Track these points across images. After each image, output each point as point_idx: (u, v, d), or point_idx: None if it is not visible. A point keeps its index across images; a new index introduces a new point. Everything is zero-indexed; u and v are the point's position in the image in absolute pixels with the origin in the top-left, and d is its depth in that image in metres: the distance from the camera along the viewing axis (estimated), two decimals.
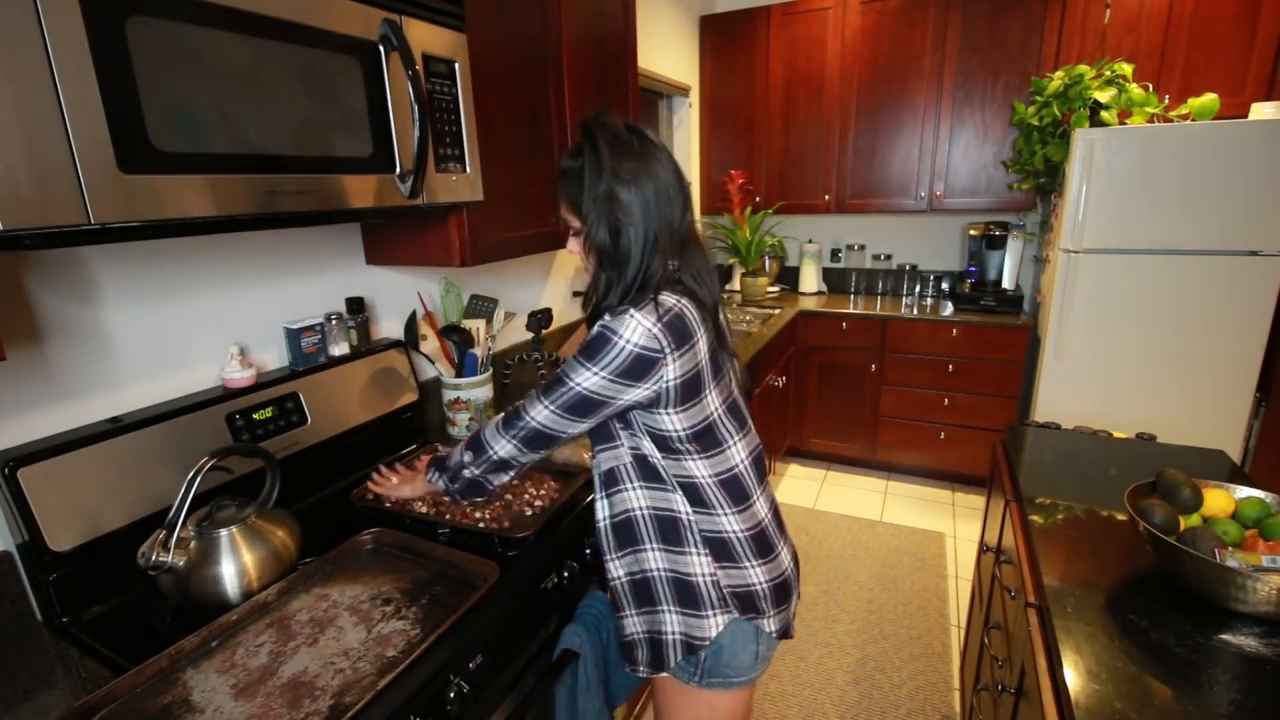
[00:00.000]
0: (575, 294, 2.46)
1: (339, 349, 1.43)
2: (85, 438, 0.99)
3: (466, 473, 1.04)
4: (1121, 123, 2.50)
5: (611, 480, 1.01)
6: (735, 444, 0.99)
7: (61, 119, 0.66)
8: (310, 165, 0.94)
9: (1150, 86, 2.52)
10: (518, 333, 2.06)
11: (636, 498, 0.99)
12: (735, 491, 0.98)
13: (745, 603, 0.99)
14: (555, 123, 1.67)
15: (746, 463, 1.00)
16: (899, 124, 3.14)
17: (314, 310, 1.42)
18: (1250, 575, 0.89)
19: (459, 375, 1.62)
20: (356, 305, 1.48)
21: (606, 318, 0.90)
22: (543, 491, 1.28)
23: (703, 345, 0.93)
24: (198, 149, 0.79)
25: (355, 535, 1.13)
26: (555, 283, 2.33)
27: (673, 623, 0.99)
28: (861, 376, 3.25)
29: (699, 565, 0.98)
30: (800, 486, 3.32)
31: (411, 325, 1.55)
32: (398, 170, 1.09)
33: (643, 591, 1.01)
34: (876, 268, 3.64)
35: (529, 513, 1.22)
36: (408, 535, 1.13)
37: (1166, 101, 2.51)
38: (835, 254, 3.76)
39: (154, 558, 0.92)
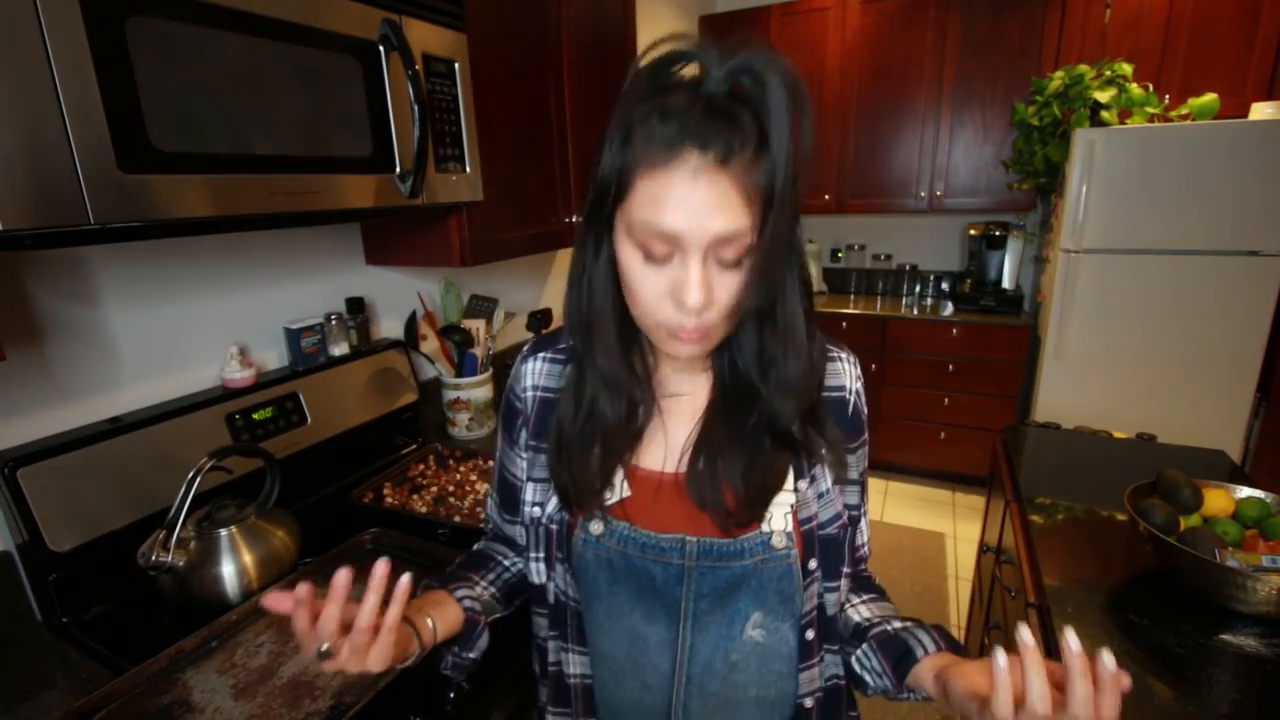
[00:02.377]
0: None
1: (339, 349, 1.43)
2: (85, 438, 0.99)
3: None
4: (1121, 123, 2.50)
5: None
6: None
7: (61, 119, 0.66)
8: (310, 165, 0.94)
9: (1150, 86, 2.52)
10: (518, 333, 2.06)
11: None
12: None
13: None
14: (555, 123, 1.67)
15: None
16: (899, 124, 3.14)
17: (314, 310, 1.42)
18: (1250, 575, 0.89)
19: (459, 375, 1.62)
20: (356, 305, 1.48)
21: (848, 358, 0.71)
22: None
23: None
24: (198, 149, 0.79)
25: (355, 535, 1.13)
26: (555, 283, 2.33)
27: None
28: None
29: None
30: None
31: (411, 325, 1.55)
32: (398, 170, 1.09)
33: None
34: (876, 268, 3.64)
35: None
36: (408, 535, 1.13)
37: (1167, 101, 2.51)
38: (835, 254, 3.75)
39: (154, 558, 0.92)
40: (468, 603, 0.70)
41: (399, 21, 1.04)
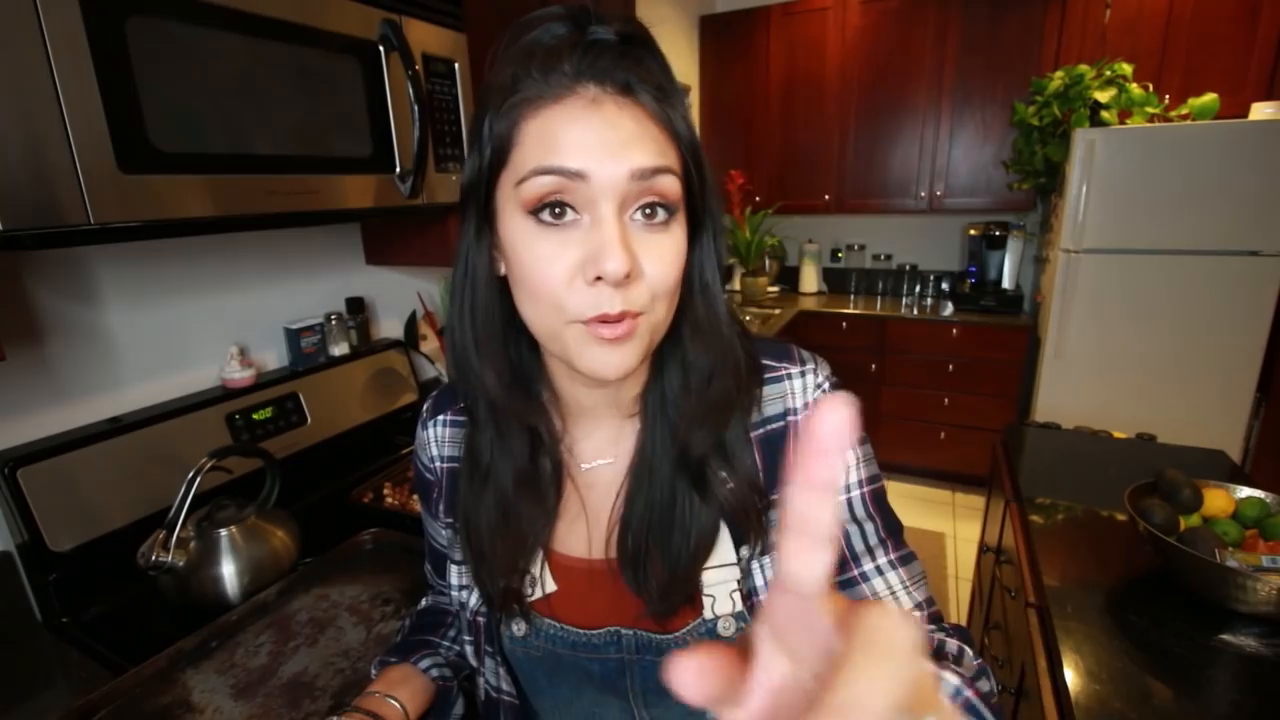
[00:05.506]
0: None
1: (339, 349, 1.43)
2: (85, 438, 0.99)
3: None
4: (1121, 123, 2.50)
5: None
6: None
7: (61, 119, 0.66)
8: (310, 165, 0.94)
9: (1150, 86, 2.52)
10: None
11: None
12: None
13: None
14: None
15: None
16: (899, 124, 3.14)
17: (314, 310, 1.42)
18: (1250, 575, 0.89)
19: None
20: (356, 305, 1.48)
21: (802, 371, 0.54)
22: None
23: None
24: (197, 149, 0.79)
25: (355, 535, 1.12)
26: None
27: None
28: (861, 376, 3.24)
29: None
30: None
31: (411, 325, 1.55)
32: (397, 170, 1.09)
33: None
34: (876, 268, 3.64)
35: None
36: (407, 535, 1.13)
37: (1166, 101, 2.51)
38: (835, 254, 3.75)
39: (154, 558, 0.92)
40: (435, 671, 0.65)
41: (399, 21, 1.04)
